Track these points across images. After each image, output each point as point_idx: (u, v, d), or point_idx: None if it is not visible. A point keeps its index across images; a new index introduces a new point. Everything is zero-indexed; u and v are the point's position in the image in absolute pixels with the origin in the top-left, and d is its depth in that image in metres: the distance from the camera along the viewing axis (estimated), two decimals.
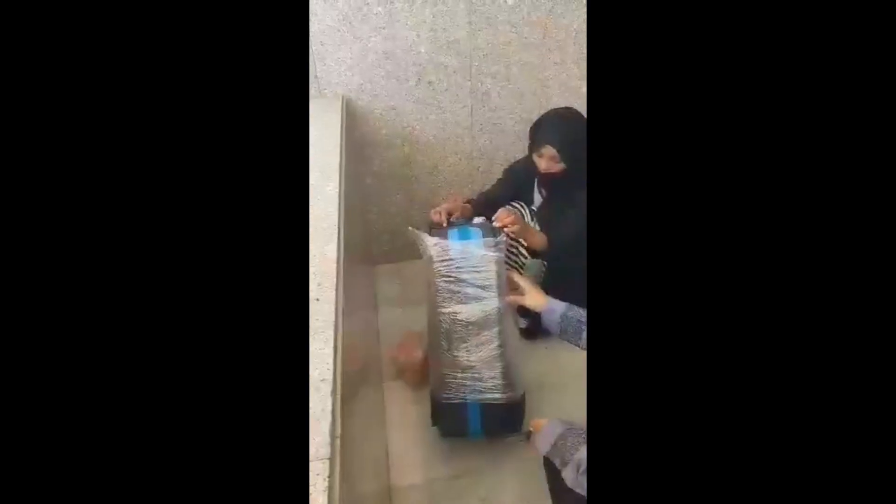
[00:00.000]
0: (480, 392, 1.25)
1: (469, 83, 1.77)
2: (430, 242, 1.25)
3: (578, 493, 0.85)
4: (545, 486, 0.97)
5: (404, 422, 1.47)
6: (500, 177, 1.70)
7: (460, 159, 1.92)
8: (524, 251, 1.60)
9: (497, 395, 1.25)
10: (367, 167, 1.88)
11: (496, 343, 1.25)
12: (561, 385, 1.50)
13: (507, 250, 1.66)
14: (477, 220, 1.42)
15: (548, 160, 1.44)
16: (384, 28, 1.63)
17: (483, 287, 1.23)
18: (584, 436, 0.89)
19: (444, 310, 1.25)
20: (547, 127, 1.45)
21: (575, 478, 0.85)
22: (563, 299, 1.60)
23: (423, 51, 1.69)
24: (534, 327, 1.67)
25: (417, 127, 1.83)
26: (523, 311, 1.74)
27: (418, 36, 1.66)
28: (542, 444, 0.94)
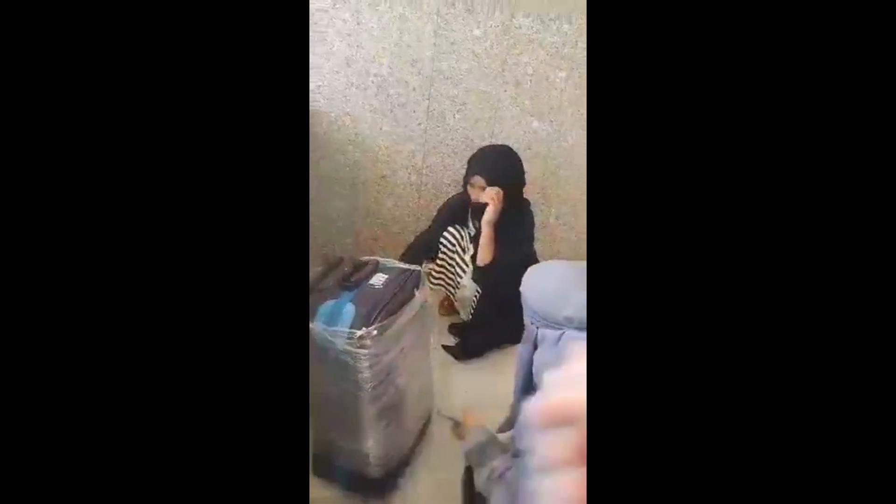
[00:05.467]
0: (347, 459, 1.20)
1: (427, 102, 1.81)
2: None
3: (482, 496, 0.91)
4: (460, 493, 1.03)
5: None
6: (437, 214, 1.74)
7: (410, 173, 1.95)
8: (462, 267, 1.65)
9: (360, 469, 1.19)
10: (314, 170, 1.86)
11: (369, 435, 1.13)
12: (483, 407, 1.56)
13: (439, 268, 1.71)
14: (379, 278, 1.17)
15: (478, 190, 1.53)
16: (350, 35, 1.64)
17: (350, 382, 1.06)
18: (502, 450, 0.95)
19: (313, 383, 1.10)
20: (480, 158, 1.55)
21: (485, 482, 0.91)
22: (490, 329, 1.68)
23: (385, 63, 1.71)
24: (461, 347, 1.72)
25: (370, 136, 1.83)
26: (454, 330, 1.80)
27: (383, 49, 1.68)
28: (466, 441, 1.00)
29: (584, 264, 0.92)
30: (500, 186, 1.51)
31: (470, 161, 1.57)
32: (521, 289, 0.92)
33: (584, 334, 0.81)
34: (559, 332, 0.83)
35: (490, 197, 1.45)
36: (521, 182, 1.59)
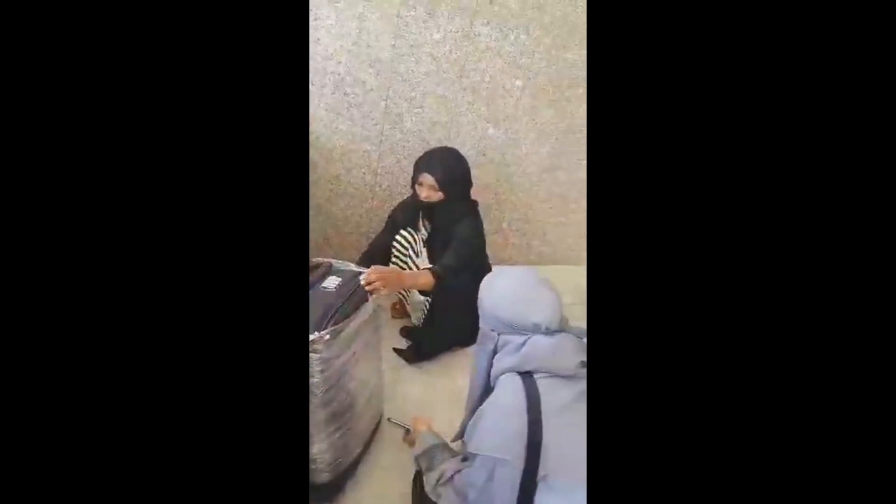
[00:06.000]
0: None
1: (384, 103, 1.79)
2: None
3: (432, 500, 0.93)
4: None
5: None
6: (389, 217, 1.74)
7: (365, 174, 1.93)
8: (414, 271, 1.64)
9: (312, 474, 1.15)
10: None
11: (318, 440, 1.10)
12: (433, 410, 1.56)
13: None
14: (332, 281, 1.15)
15: (427, 188, 1.55)
16: None
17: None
18: (452, 454, 0.97)
19: None
20: (427, 158, 1.57)
21: (433, 486, 0.92)
22: (442, 332, 1.68)
23: (342, 61, 1.68)
24: (413, 350, 1.72)
25: (325, 134, 1.80)
26: (405, 333, 1.79)
27: (340, 46, 1.65)
28: (416, 446, 1.02)
29: (539, 270, 0.94)
30: (448, 183, 1.53)
31: (417, 163, 1.58)
32: (479, 295, 0.93)
33: (550, 339, 0.83)
34: (525, 337, 0.84)
35: (374, 282, 1.19)
36: (468, 182, 1.62)
